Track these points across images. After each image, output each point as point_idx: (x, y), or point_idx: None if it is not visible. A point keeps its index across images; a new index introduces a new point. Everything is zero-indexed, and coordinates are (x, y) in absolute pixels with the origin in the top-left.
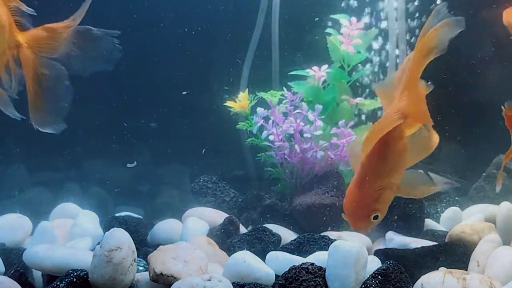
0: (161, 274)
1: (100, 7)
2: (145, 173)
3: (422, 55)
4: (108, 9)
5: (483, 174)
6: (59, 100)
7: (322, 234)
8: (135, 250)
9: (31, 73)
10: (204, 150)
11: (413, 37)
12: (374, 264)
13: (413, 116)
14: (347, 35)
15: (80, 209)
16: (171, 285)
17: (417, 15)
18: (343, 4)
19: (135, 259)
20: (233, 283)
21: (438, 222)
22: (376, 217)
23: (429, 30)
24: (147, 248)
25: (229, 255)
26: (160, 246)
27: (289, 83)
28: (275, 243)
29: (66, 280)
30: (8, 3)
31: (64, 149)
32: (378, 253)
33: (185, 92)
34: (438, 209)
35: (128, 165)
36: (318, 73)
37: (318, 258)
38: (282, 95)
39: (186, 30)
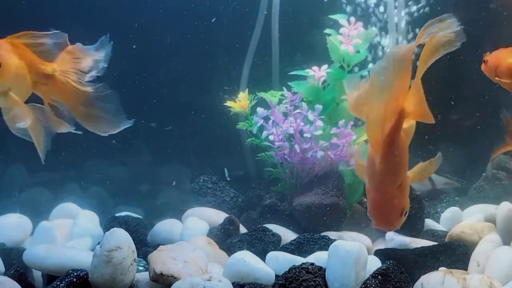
0: (161, 274)
1: (98, 7)
2: (145, 173)
3: (426, 57)
4: (108, 10)
5: (483, 174)
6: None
7: (322, 234)
8: (135, 250)
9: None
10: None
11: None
12: (374, 264)
13: (415, 114)
14: (347, 35)
15: (80, 209)
16: (171, 285)
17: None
18: (343, 4)
19: (135, 259)
20: (233, 283)
21: (438, 222)
22: (405, 213)
23: (434, 36)
24: (147, 248)
25: (229, 255)
26: (160, 246)
27: (289, 83)
28: (275, 243)
29: (66, 280)
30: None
31: (64, 149)
32: (378, 253)
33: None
34: (438, 209)
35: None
36: (318, 73)
37: (318, 258)
38: (282, 95)
39: (186, 30)
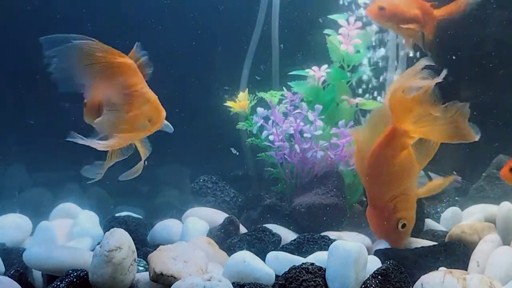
0: (161, 274)
1: (99, 7)
2: (145, 173)
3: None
4: (108, 9)
5: (483, 174)
6: None
7: (322, 234)
8: (135, 250)
9: None
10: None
11: None
12: (374, 264)
13: (416, 132)
14: (346, 35)
15: (80, 209)
16: (171, 285)
17: None
18: (342, 3)
19: (135, 259)
20: (233, 283)
21: (438, 222)
22: (404, 226)
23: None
24: (147, 248)
25: (229, 255)
26: (160, 246)
27: (289, 83)
28: (275, 243)
29: (66, 280)
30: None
31: (64, 149)
32: (378, 253)
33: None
34: (438, 209)
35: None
36: (318, 73)
37: (318, 258)
38: (282, 95)
39: (186, 30)
